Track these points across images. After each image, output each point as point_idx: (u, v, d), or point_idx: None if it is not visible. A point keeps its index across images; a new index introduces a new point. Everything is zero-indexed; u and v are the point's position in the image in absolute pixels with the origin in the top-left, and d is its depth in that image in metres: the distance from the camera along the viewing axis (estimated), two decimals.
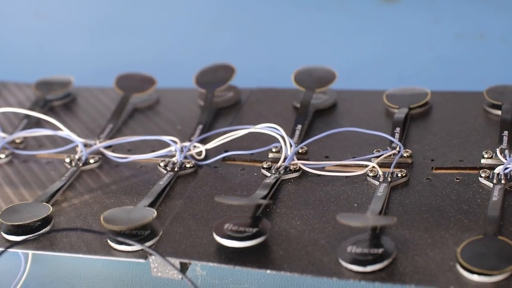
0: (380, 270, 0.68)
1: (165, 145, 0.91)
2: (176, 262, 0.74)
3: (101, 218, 0.76)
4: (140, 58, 1.35)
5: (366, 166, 0.83)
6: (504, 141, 0.84)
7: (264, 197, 0.79)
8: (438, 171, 0.83)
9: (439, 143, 0.88)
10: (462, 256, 0.67)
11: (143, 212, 0.78)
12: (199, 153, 0.90)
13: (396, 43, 1.35)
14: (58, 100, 1.08)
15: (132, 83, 1.07)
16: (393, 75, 1.23)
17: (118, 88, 1.06)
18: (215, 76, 1.04)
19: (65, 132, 0.95)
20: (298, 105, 0.97)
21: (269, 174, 0.84)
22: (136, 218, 0.76)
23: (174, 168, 0.87)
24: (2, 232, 0.80)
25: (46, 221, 0.80)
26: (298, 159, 0.86)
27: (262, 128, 0.89)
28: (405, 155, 0.85)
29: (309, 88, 0.98)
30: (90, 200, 0.85)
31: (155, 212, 0.77)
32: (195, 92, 1.05)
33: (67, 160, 0.92)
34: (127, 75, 1.08)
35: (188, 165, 0.88)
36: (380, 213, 0.75)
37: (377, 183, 0.81)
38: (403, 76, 1.22)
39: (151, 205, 0.80)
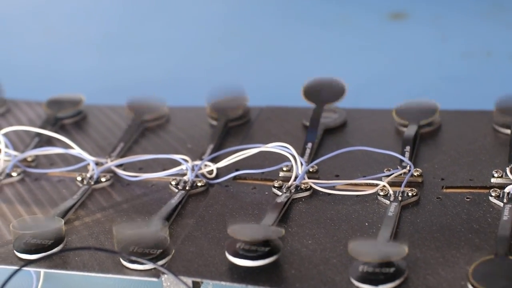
0: None
1: (176, 163, 0.92)
2: (189, 281, 0.74)
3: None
4: (149, 75, 1.36)
5: (377, 185, 0.84)
6: None
7: (276, 219, 0.79)
8: (448, 190, 0.83)
9: (449, 162, 0.88)
10: (473, 277, 0.67)
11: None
12: (210, 172, 0.91)
13: (404, 60, 1.36)
14: (69, 118, 1.09)
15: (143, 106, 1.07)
16: (401, 93, 1.23)
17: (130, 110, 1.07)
18: None
19: (76, 151, 0.96)
20: (308, 124, 0.98)
21: (280, 193, 0.85)
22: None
23: (186, 186, 0.88)
24: (15, 251, 0.80)
25: (58, 239, 0.80)
26: (309, 178, 0.87)
27: (273, 147, 0.89)
28: (415, 174, 0.85)
29: (319, 103, 0.99)
30: (102, 218, 0.85)
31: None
32: (205, 110, 1.05)
33: (79, 178, 0.92)
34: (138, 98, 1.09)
35: (199, 184, 0.88)
36: (391, 235, 0.75)
37: (387, 202, 0.81)
38: (411, 94, 1.23)
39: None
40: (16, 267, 0.74)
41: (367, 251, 0.71)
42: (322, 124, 0.98)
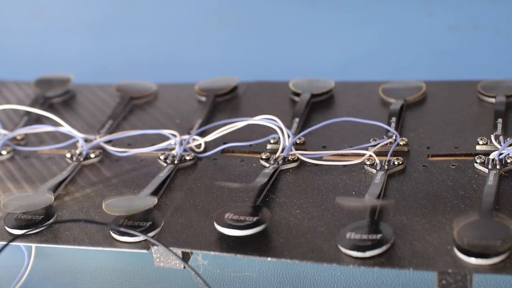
0: (379, 255, 0.69)
1: (165, 138, 0.92)
2: (178, 251, 0.74)
3: (103, 206, 0.77)
4: (138, 54, 1.36)
5: (363, 155, 0.84)
6: (498, 128, 0.85)
7: (264, 185, 0.80)
8: (434, 158, 0.84)
9: (434, 131, 0.89)
10: (459, 238, 0.68)
11: (144, 200, 0.79)
12: (199, 146, 0.91)
13: (391, 35, 1.36)
14: (57, 97, 1.09)
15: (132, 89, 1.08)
16: (388, 67, 1.24)
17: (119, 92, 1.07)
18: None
19: (65, 128, 0.96)
20: (295, 98, 0.98)
21: (267, 165, 0.86)
22: (138, 205, 0.77)
23: (174, 161, 0.89)
24: (5, 226, 0.81)
25: (48, 214, 0.81)
26: (296, 149, 0.88)
27: (260, 120, 0.90)
28: (401, 143, 0.86)
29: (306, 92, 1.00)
30: (91, 193, 0.86)
31: (156, 200, 0.79)
32: (193, 87, 1.06)
33: (68, 155, 0.93)
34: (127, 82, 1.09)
35: (187, 158, 0.89)
36: (378, 197, 0.76)
37: (374, 171, 0.82)
38: (398, 68, 1.23)
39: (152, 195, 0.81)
40: (5, 242, 0.75)
41: (354, 202, 0.72)
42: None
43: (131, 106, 1.05)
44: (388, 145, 0.86)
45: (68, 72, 1.13)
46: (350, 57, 1.27)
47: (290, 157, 0.86)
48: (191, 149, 0.91)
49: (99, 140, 0.94)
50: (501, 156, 0.80)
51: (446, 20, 1.38)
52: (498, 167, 0.79)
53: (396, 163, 0.82)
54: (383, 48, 1.31)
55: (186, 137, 0.92)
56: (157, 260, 0.76)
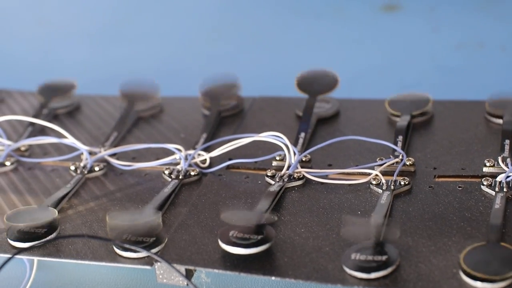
0: (384, 277, 0.69)
1: (170, 153, 0.92)
2: (182, 268, 0.74)
3: (107, 219, 0.77)
4: (143, 66, 1.36)
5: (369, 174, 0.84)
6: (505, 150, 0.85)
7: (268, 207, 0.80)
8: (440, 179, 0.84)
9: (441, 152, 0.89)
10: (465, 262, 0.68)
11: (148, 215, 0.79)
12: (204, 161, 0.91)
13: (397, 52, 1.36)
14: (62, 108, 1.09)
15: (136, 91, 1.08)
16: (393, 84, 1.24)
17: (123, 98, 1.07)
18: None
19: (70, 140, 0.96)
20: (301, 114, 0.98)
21: (273, 182, 0.85)
22: (142, 220, 0.77)
23: (179, 176, 0.88)
24: (8, 239, 0.80)
25: (52, 227, 0.81)
26: (302, 167, 0.87)
27: (266, 136, 0.89)
28: (407, 163, 0.85)
29: (312, 94, 0.99)
30: (95, 207, 0.86)
31: (160, 215, 0.78)
32: (198, 100, 1.06)
33: (72, 167, 0.93)
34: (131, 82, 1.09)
35: (192, 173, 0.89)
36: (383, 219, 0.76)
37: (380, 191, 0.82)
38: (404, 85, 1.23)
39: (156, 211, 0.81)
40: (9, 255, 0.74)
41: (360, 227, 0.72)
42: (315, 114, 0.98)
43: (136, 117, 1.04)
44: (395, 164, 0.85)
45: (71, 79, 1.12)
46: (356, 73, 1.27)
47: (295, 175, 0.86)
48: (196, 164, 0.91)
49: (104, 153, 0.94)
50: (509, 179, 0.80)
51: (452, 38, 1.38)
52: (505, 189, 0.78)
53: (402, 183, 0.82)
54: (389, 65, 1.31)
55: (191, 152, 0.91)
56: (160, 276, 0.75)
